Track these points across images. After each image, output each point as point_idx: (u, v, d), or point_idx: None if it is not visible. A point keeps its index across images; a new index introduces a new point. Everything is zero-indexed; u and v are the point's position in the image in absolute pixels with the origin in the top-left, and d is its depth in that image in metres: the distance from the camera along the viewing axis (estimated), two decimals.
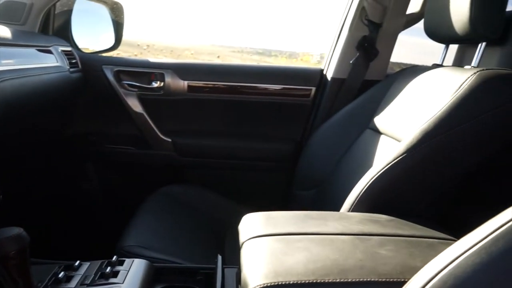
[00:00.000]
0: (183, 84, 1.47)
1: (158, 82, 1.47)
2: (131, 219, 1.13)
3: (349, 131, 1.36)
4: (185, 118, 1.54)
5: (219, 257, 0.82)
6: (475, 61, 1.09)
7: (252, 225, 0.76)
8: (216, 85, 1.50)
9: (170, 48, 4.17)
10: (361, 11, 1.41)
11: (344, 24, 1.48)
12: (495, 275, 0.46)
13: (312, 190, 1.37)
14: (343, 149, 1.35)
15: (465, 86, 0.92)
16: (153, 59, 1.53)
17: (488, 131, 0.93)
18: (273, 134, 1.57)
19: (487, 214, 0.53)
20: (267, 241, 0.69)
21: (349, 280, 0.58)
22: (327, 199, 1.28)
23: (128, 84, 1.47)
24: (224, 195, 1.43)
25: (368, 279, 0.59)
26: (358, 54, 1.45)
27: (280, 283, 0.58)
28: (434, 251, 0.60)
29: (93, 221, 1.54)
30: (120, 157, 1.54)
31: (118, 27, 1.59)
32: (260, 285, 0.58)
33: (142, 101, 1.48)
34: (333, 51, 1.52)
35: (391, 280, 0.58)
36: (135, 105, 1.47)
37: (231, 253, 1.00)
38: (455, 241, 0.50)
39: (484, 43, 1.07)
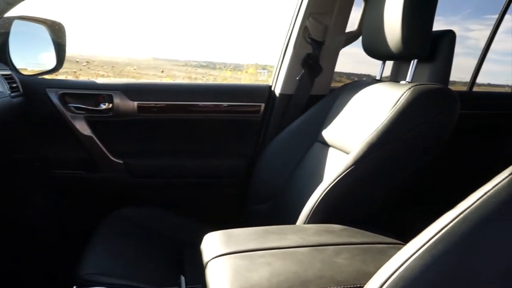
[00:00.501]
0: (133, 104, 1.46)
1: (107, 104, 1.45)
2: (87, 245, 1.10)
3: (299, 144, 1.41)
4: (136, 138, 1.53)
5: (182, 278, 0.83)
6: (409, 76, 1.19)
7: (214, 244, 0.78)
8: (166, 105, 1.50)
9: (111, 63, 4.05)
10: (304, 30, 1.49)
11: (289, 43, 1.54)
12: (438, 275, 0.52)
13: (267, 204, 1.41)
14: (294, 162, 1.40)
15: (402, 100, 1.01)
16: (100, 80, 1.51)
17: (424, 140, 1.02)
18: (225, 151, 1.59)
19: (428, 217, 0.60)
20: (231, 259, 0.71)
21: None
22: (282, 212, 1.33)
23: (74, 107, 1.43)
24: (180, 214, 1.43)
25: (327, 287, 0.63)
26: (303, 71, 1.52)
27: None
28: (385, 256, 0.66)
29: (47, 251, 1.47)
30: (69, 182, 1.49)
31: (59, 47, 1.54)
32: None
33: (90, 123, 1.45)
34: (280, 68, 1.58)
35: (349, 286, 0.63)
36: (83, 128, 1.44)
37: (193, 273, 1.00)
38: (403, 245, 0.56)
39: (415, 60, 1.18)
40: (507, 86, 2.44)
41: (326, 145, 1.32)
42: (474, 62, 2.10)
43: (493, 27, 1.94)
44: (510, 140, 1.91)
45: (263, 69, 3.73)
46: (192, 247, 0.97)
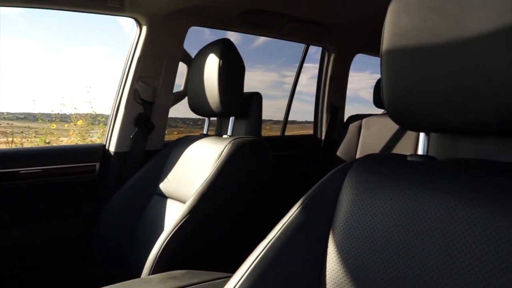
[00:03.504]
0: None
1: None
2: None
3: (138, 199, 1.47)
4: None
5: None
6: (229, 131, 1.41)
7: None
8: None
9: None
10: (134, 92, 1.59)
11: (120, 103, 1.62)
12: None
13: (112, 264, 1.41)
14: (135, 218, 1.45)
15: (224, 153, 1.20)
16: None
17: (247, 185, 1.22)
18: (60, 217, 1.51)
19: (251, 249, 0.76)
20: None
21: None
22: (128, 269, 1.35)
23: None
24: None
25: None
26: (136, 129, 1.61)
27: None
28: None
29: None
30: None
31: None
32: None
33: None
34: (113, 127, 1.63)
35: None
36: None
37: None
38: None
39: (233, 117, 1.41)
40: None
41: (164, 197, 1.42)
42: (293, 103, 2.47)
43: (296, 75, 2.37)
44: (314, 173, 2.33)
45: (94, 118, 3.54)
46: None
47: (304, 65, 2.40)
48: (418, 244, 0.58)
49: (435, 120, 0.64)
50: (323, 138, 2.43)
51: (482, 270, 0.52)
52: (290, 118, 2.59)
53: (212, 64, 1.33)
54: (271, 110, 2.71)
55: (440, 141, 0.74)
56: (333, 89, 2.40)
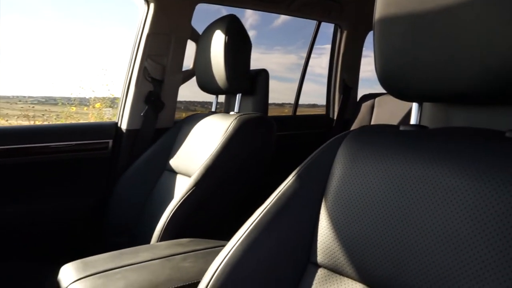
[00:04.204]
0: None
1: None
2: None
3: (149, 175, 1.53)
4: None
5: None
6: (236, 108, 1.43)
7: (71, 272, 0.84)
8: (10, 149, 1.45)
9: None
10: (144, 70, 1.62)
11: (131, 81, 1.66)
12: (253, 255, 0.71)
13: (124, 236, 1.47)
14: (146, 193, 1.51)
15: (230, 129, 1.23)
16: None
17: (250, 160, 1.25)
18: (76, 191, 1.59)
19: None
20: (88, 281, 0.79)
21: None
22: (140, 240, 1.41)
23: None
24: (33, 259, 1.38)
25: (176, 286, 0.76)
26: (147, 107, 1.65)
27: None
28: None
29: None
30: None
31: None
32: None
33: None
34: (124, 105, 1.68)
35: (192, 282, 0.77)
36: None
37: None
38: None
39: (240, 94, 1.43)
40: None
41: (174, 173, 1.46)
42: (312, 86, 2.47)
43: (307, 52, 2.36)
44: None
45: (112, 101, 3.63)
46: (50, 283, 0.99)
47: (325, 46, 2.38)
48: (406, 210, 0.60)
49: (426, 89, 0.65)
50: (335, 117, 2.43)
51: (467, 234, 0.53)
52: (311, 101, 2.57)
53: (218, 40, 1.35)
54: (290, 94, 2.66)
55: (433, 111, 0.75)
56: (345, 68, 2.38)
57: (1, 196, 1.46)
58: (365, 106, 2.26)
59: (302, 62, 2.42)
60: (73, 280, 0.80)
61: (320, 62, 2.82)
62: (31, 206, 1.49)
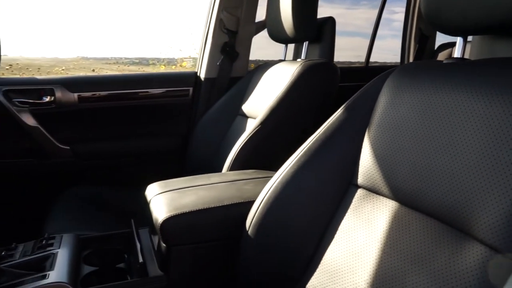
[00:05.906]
0: (73, 96, 1.64)
1: (49, 97, 1.62)
2: (46, 215, 1.29)
3: (224, 119, 1.68)
4: (80, 126, 1.71)
5: (132, 221, 1.06)
6: (303, 55, 1.50)
7: (155, 188, 1.02)
8: (105, 94, 1.70)
9: (35, 65, 3.94)
10: (219, 22, 1.75)
11: (208, 34, 1.80)
12: (294, 184, 0.81)
13: (201, 170, 1.66)
14: (221, 135, 1.67)
15: (295, 73, 1.32)
16: (40, 76, 1.67)
17: (314, 103, 1.33)
18: (161, 132, 1.82)
19: None
20: (167, 194, 0.96)
21: (224, 204, 0.90)
22: (213, 172, 1.59)
23: (18, 102, 1.58)
24: (125, 188, 1.64)
25: (236, 202, 0.91)
26: (222, 57, 1.78)
27: (178, 213, 0.86)
28: None
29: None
30: (22, 168, 1.63)
31: None
32: (166, 216, 0.85)
33: (35, 115, 1.61)
34: (202, 56, 1.83)
35: (249, 200, 0.90)
36: (29, 120, 1.59)
37: (142, 218, 1.23)
38: None
39: (307, 42, 1.49)
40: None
41: (246, 117, 1.60)
42: (398, 43, 2.40)
43: (378, 11, 2.31)
44: None
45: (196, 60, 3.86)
46: (137, 204, 1.20)
47: None
48: (437, 134, 0.66)
49: (469, 22, 0.67)
50: None
51: (494, 160, 0.58)
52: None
53: None
54: (378, 52, 2.52)
55: (479, 45, 0.76)
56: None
57: (102, 133, 1.73)
58: (442, 55, 2.16)
59: (391, 16, 2.35)
60: (156, 194, 0.98)
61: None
62: (126, 142, 1.74)
